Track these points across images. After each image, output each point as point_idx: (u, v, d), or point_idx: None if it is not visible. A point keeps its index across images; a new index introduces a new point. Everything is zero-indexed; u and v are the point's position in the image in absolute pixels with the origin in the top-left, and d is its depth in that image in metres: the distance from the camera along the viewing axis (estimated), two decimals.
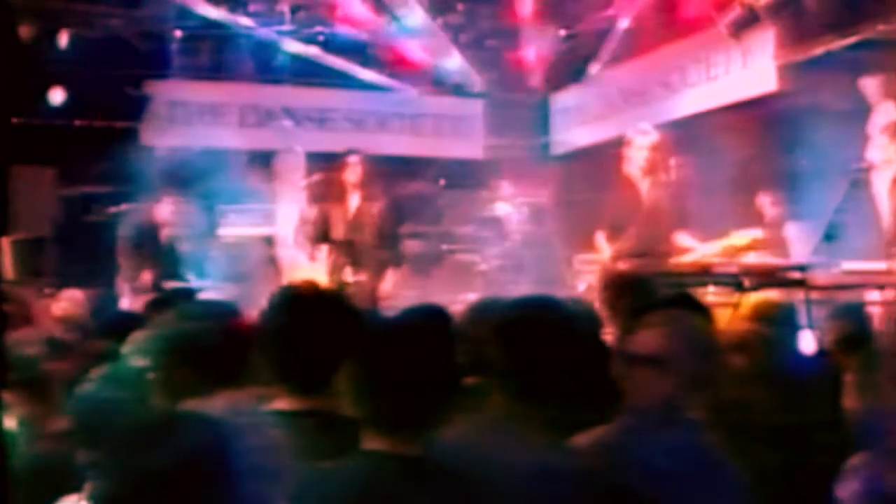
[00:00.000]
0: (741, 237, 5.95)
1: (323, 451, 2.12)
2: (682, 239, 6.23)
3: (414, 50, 10.47)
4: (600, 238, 6.60)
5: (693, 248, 6.14)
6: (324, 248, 7.19)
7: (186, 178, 9.17)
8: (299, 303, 2.65)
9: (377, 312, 4.64)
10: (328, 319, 2.55)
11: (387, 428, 2.05)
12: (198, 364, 2.50)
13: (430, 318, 3.08)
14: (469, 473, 2.09)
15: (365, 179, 7.14)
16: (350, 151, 7.26)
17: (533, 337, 2.52)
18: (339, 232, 7.08)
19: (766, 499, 2.42)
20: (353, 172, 7.13)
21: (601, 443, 2.45)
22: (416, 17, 10.12)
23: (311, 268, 7.20)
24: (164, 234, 8.14)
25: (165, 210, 8.20)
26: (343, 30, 10.30)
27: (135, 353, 2.78)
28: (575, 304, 4.07)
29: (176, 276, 7.93)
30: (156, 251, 8.06)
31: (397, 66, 10.63)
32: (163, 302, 4.57)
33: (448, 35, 10.40)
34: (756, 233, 6.06)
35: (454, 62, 10.71)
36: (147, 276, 7.87)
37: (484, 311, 3.28)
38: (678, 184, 6.43)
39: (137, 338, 2.93)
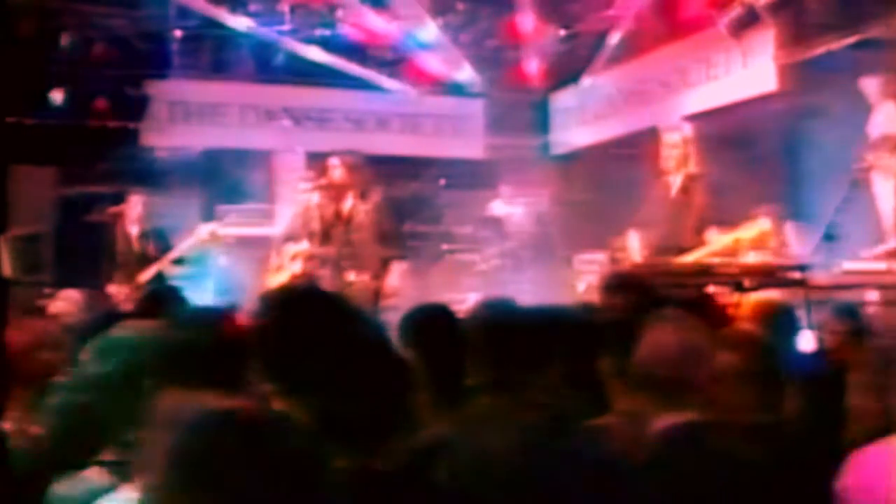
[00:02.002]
0: (749, 230, 5.91)
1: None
2: (712, 235, 6.13)
3: (423, 57, 10.47)
4: (632, 236, 6.50)
5: (709, 243, 6.06)
6: (310, 249, 7.19)
7: (168, 175, 9.20)
8: (296, 303, 2.64)
9: (378, 313, 4.65)
10: (325, 320, 2.54)
11: (352, 439, 2.00)
12: (189, 367, 2.48)
13: (434, 317, 3.08)
14: (463, 476, 2.07)
15: (350, 180, 7.13)
16: (332, 153, 7.29)
17: (526, 338, 2.52)
18: (336, 232, 7.09)
19: (766, 499, 2.41)
20: (333, 175, 7.15)
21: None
22: (422, 23, 10.12)
23: (305, 267, 7.20)
24: (133, 232, 8.10)
25: (135, 209, 8.16)
26: (343, 30, 10.31)
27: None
28: (574, 307, 4.08)
29: (156, 274, 7.90)
30: (126, 250, 8.05)
31: (404, 70, 10.64)
32: (145, 302, 4.54)
33: (448, 35, 10.39)
34: (764, 224, 6.00)
35: (462, 70, 10.72)
36: (126, 276, 7.88)
37: (487, 312, 3.29)
38: (708, 179, 6.35)
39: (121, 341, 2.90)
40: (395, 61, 10.63)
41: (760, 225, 5.92)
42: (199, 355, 2.54)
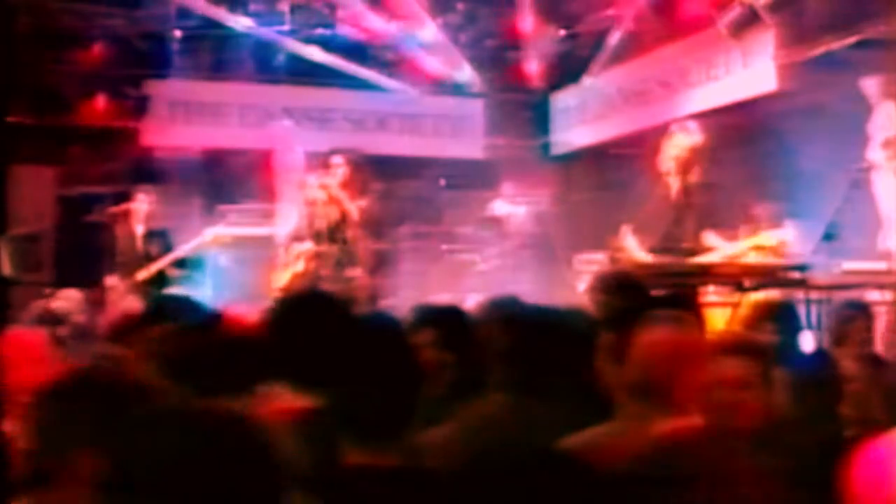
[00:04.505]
0: (768, 237, 5.87)
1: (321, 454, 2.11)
2: (709, 238, 6.10)
3: (422, 57, 10.45)
4: (627, 234, 6.44)
5: (718, 247, 6.00)
6: (314, 248, 7.20)
7: (168, 175, 9.20)
8: (299, 306, 2.65)
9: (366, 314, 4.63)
10: (327, 323, 2.55)
11: (364, 436, 2.01)
12: (194, 369, 2.48)
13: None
14: (459, 476, 2.05)
15: (351, 179, 7.15)
16: (333, 152, 7.31)
17: (537, 337, 2.52)
18: (331, 231, 7.11)
19: (768, 499, 2.41)
20: (336, 173, 7.17)
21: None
22: (422, 24, 10.11)
23: (308, 266, 7.21)
24: (139, 231, 8.09)
25: (141, 207, 8.15)
26: (343, 30, 10.30)
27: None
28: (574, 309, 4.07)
29: (156, 273, 7.89)
30: (129, 249, 8.04)
31: (403, 69, 10.63)
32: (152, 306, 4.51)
33: (448, 35, 10.39)
34: (786, 233, 5.95)
35: (462, 70, 10.72)
36: (125, 274, 7.88)
37: (495, 311, 3.29)
38: (708, 179, 6.30)
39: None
40: (394, 61, 10.62)
41: (782, 234, 5.88)
42: (209, 359, 2.54)
